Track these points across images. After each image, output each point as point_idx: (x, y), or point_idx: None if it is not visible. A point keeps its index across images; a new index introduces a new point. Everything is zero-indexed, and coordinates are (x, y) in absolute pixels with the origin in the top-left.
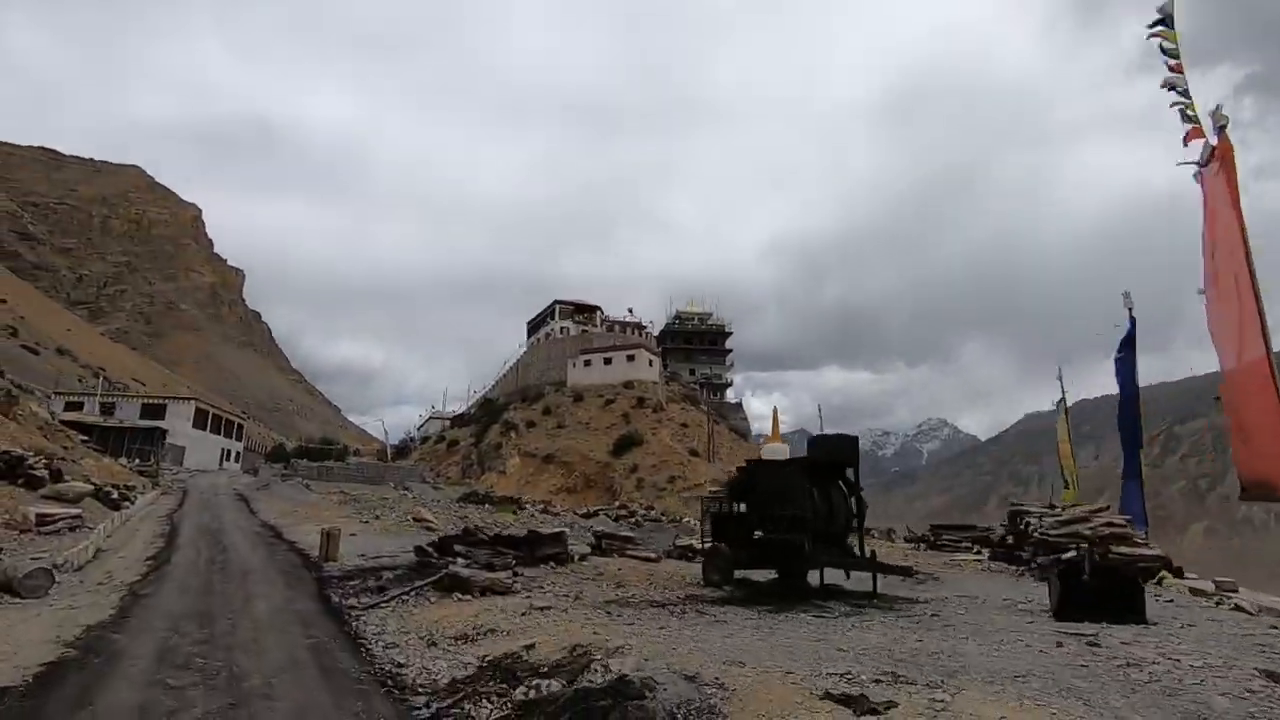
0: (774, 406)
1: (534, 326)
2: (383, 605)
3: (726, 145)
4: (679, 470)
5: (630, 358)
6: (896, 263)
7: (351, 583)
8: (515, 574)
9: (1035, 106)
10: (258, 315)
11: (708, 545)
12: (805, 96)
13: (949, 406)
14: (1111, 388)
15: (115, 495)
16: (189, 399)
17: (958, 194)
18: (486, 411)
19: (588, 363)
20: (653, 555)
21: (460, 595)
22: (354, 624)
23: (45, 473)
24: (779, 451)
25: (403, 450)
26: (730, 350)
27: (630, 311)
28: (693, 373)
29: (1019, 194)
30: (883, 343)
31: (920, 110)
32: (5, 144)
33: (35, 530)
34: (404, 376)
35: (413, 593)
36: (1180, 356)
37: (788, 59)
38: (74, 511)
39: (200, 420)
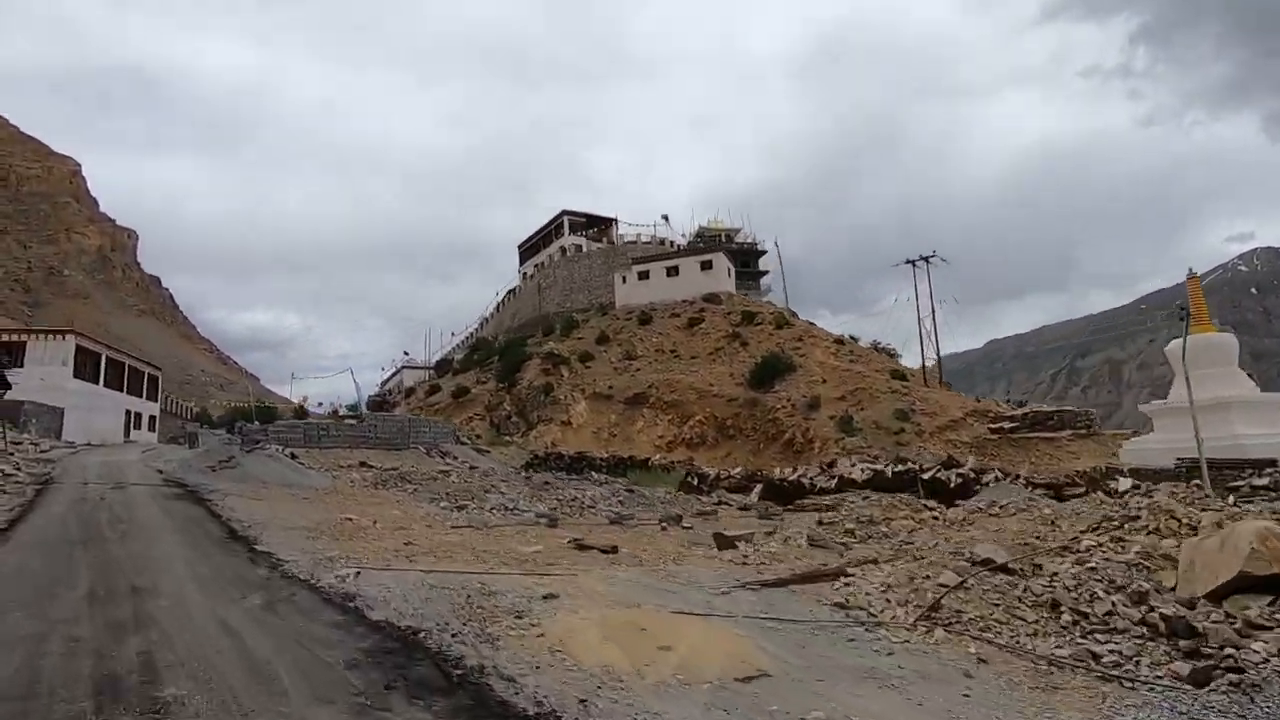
0: (1189, 268)
1: (530, 249)
2: None
3: (648, 98)
4: (899, 401)
5: (706, 265)
6: (818, 216)
7: None
8: None
9: (952, 58)
10: (157, 280)
11: None
12: (725, 49)
13: None
14: (1019, 328)
15: None
16: (67, 332)
17: (877, 147)
18: (493, 352)
19: (643, 275)
20: None
21: None
22: None
23: None
24: (1227, 342)
25: (381, 405)
26: (766, 272)
27: (665, 219)
28: None
29: (932, 148)
30: (804, 294)
31: (841, 63)
32: None
33: None
34: (324, 343)
35: None
36: (1079, 295)
37: (706, 11)
38: None
39: (88, 367)
